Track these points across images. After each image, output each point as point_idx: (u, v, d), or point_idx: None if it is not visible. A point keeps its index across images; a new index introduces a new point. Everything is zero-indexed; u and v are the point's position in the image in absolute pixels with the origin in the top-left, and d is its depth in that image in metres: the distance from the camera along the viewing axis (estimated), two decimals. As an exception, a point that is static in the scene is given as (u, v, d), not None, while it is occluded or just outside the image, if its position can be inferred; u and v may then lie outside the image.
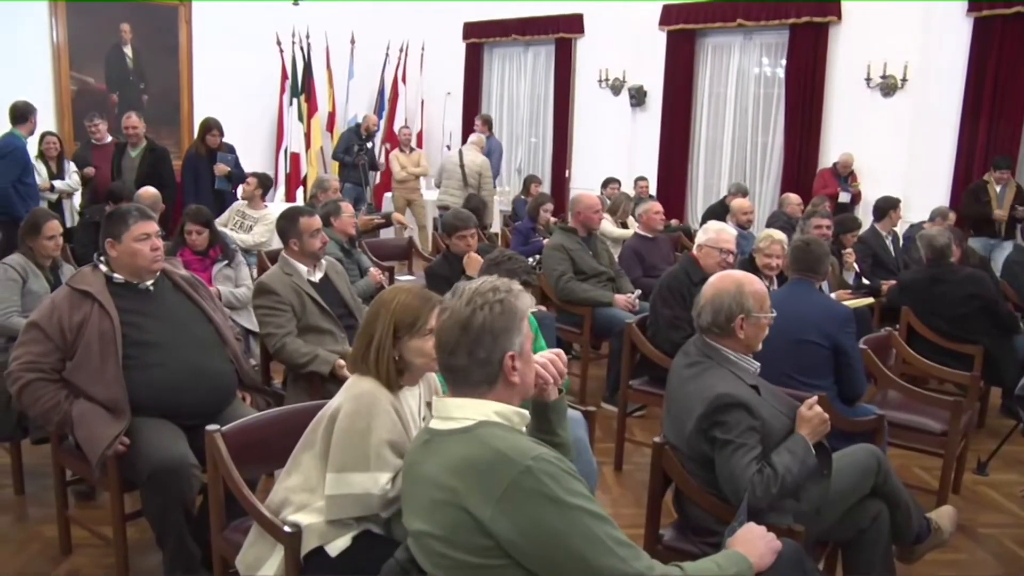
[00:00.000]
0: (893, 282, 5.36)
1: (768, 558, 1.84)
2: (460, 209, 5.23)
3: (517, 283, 1.76)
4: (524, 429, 1.74)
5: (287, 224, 3.76)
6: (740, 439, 2.34)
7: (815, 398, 2.55)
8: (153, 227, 2.98)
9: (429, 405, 2.35)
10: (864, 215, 7.83)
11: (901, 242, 6.47)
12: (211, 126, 7.20)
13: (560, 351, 1.91)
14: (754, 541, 1.85)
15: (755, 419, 2.39)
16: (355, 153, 8.81)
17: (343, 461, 2.14)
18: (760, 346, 2.62)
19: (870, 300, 5.17)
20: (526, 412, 1.73)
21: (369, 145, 9.20)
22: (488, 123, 9.72)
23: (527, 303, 1.72)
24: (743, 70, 9.35)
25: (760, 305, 2.56)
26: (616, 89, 10.11)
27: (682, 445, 2.55)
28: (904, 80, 8.00)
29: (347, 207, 5.14)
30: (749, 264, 4.52)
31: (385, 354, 2.21)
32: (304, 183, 10.14)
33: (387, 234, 9.37)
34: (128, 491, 2.86)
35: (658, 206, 5.94)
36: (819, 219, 5.38)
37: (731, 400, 2.37)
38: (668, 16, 9.50)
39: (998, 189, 7.39)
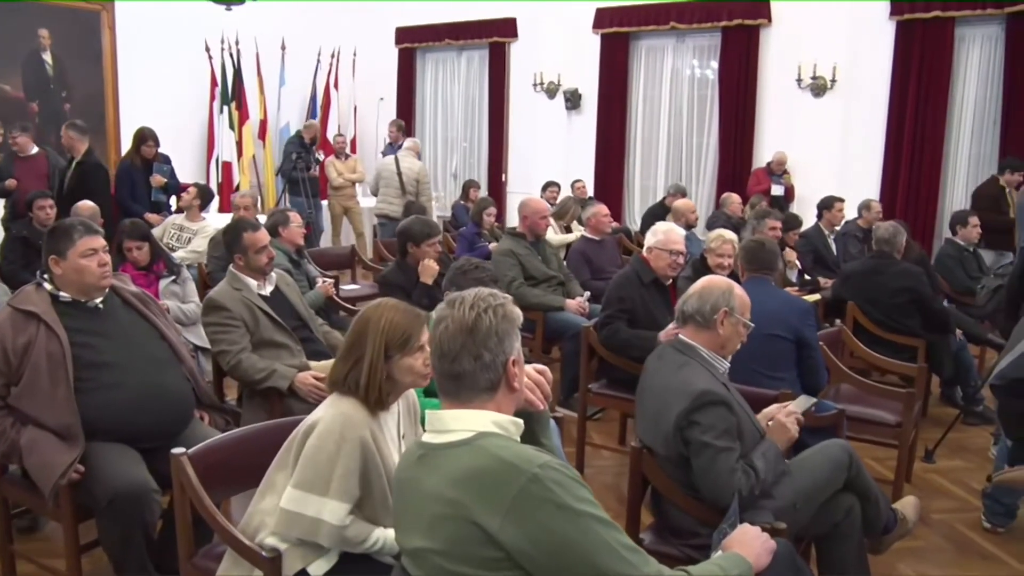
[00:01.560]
0: (831, 281, 5.50)
1: (765, 558, 1.85)
2: (426, 218, 5.14)
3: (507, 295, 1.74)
4: (518, 438, 1.71)
5: (231, 239, 3.64)
6: (720, 442, 2.37)
7: (787, 407, 2.63)
8: (100, 242, 2.84)
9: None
10: (799, 211, 8.05)
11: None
12: (146, 136, 6.94)
13: (544, 368, 1.89)
14: (751, 542, 1.86)
15: (732, 416, 2.44)
16: (294, 163, 8.59)
17: (303, 479, 2.08)
18: (731, 354, 2.66)
19: (816, 296, 5.30)
20: (520, 422, 1.71)
21: (319, 155, 9.00)
22: (402, 129, 9.58)
23: (520, 313, 1.73)
24: (677, 72, 9.50)
25: (743, 309, 2.65)
26: (551, 92, 10.15)
27: (658, 445, 2.56)
28: (833, 81, 8.25)
29: (295, 217, 5.02)
30: (701, 264, 4.57)
31: (377, 374, 2.14)
32: (237, 192, 9.89)
33: (326, 242, 9.24)
34: (82, 520, 2.71)
35: (606, 209, 5.98)
36: (773, 220, 5.47)
37: (713, 397, 2.39)
38: (602, 19, 9.59)
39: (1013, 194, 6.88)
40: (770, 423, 2.59)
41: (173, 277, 4.42)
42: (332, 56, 10.84)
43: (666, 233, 4.30)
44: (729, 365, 2.67)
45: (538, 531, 1.49)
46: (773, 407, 2.66)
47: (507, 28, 10.40)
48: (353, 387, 2.15)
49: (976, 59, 8.03)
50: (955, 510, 3.91)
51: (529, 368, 1.85)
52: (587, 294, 5.18)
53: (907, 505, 2.93)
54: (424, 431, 1.71)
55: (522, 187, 9.67)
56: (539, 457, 1.55)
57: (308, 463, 2.07)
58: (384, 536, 2.10)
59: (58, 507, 2.64)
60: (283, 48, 10.49)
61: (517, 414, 1.79)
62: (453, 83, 11.33)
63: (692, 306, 2.64)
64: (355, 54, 11.00)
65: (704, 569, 1.71)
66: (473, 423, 1.62)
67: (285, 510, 2.07)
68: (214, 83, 9.88)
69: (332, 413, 2.13)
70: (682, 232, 4.45)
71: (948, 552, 3.55)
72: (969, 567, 3.42)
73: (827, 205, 6.49)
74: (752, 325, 2.68)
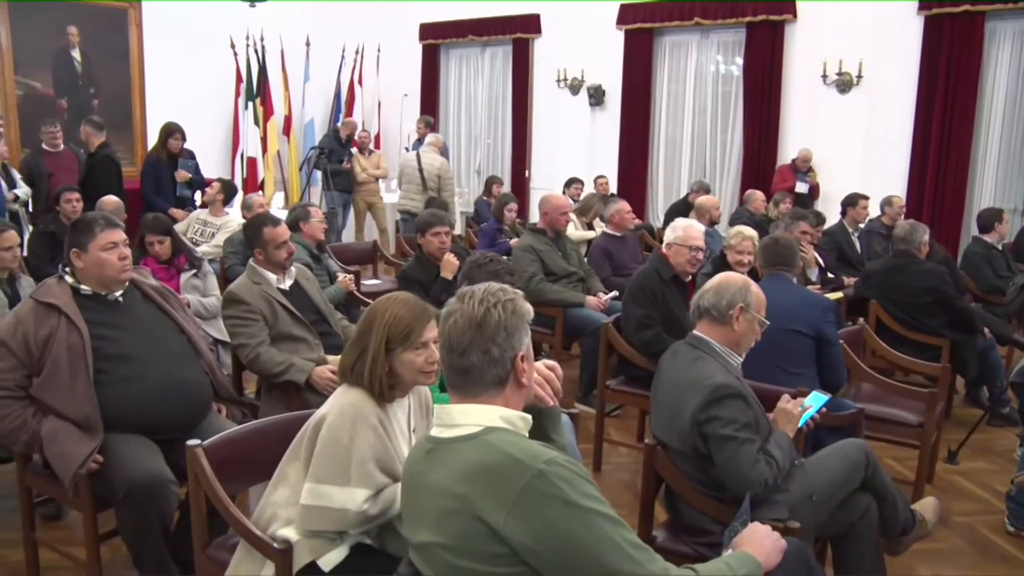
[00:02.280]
0: (855, 279, 5.44)
1: (775, 557, 1.83)
2: (434, 208, 5.16)
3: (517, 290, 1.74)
4: (527, 434, 1.71)
5: (252, 234, 3.67)
6: (741, 434, 2.37)
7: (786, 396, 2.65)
8: (120, 235, 2.87)
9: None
10: (824, 209, 7.96)
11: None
12: (173, 130, 7.01)
13: (555, 364, 1.88)
14: (761, 541, 1.85)
15: (750, 409, 2.44)
16: (343, 158, 8.69)
17: (322, 473, 2.09)
18: (745, 351, 2.65)
19: (839, 295, 5.24)
20: (529, 417, 1.71)
21: (353, 150, 9.07)
22: (429, 125, 9.59)
23: (530, 308, 1.73)
24: (701, 68, 9.42)
25: (759, 306, 2.64)
26: (574, 89, 10.12)
27: (673, 440, 2.55)
28: (859, 77, 8.14)
29: (316, 212, 5.04)
30: (721, 262, 4.54)
31: (378, 366, 2.15)
32: (262, 188, 9.97)
33: (348, 237, 9.30)
34: (101, 510, 2.75)
35: (628, 206, 5.94)
36: (806, 224, 5.39)
37: (731, 391, 2.39)
38: (625, 15, 9.53)
39: None
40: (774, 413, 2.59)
41: (194, 271, 4.46)
42: (356, 52, 10.88)
43: (685, 229, 4.28)
44: (742, 360, 2.64)
45: (543, 527, 1.48)
46: (782, 400, 2.64)
47: (531, 24, 10.38)
48: (359, 378, 2.17)
49: (1007, 55, 7.88)
50: (978, 512, 3.86)
51: (539, 364, 1.85)
52: (613, 293, 5.16)
53: (926, 506, 2.90)
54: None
55: (545, 183, 9.64)
56: (545, 453, 1.55)
57: (325, 456, 2.09)
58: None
59: (78, 496, 2.67)
60: (308, 44, 10.54)
61: (528, 410, 1.80)
62: (477, 79, 11.33)
63: (708, 301, 2.63)
64: (379, 50, 11.04)
65: (712, 567, 1.70)
66: (481, 418, 1.63)
67: (306, 507, 2.08)
68: (239, 79, 9.95)
69: (341, 404, 2.15)
70: (701, 228, 4.42)
71: (969, 555, 3.50)
72: (991, 571, 3.37)
73: (852, 202, 6.42)
74: (767, 323, 2.66)
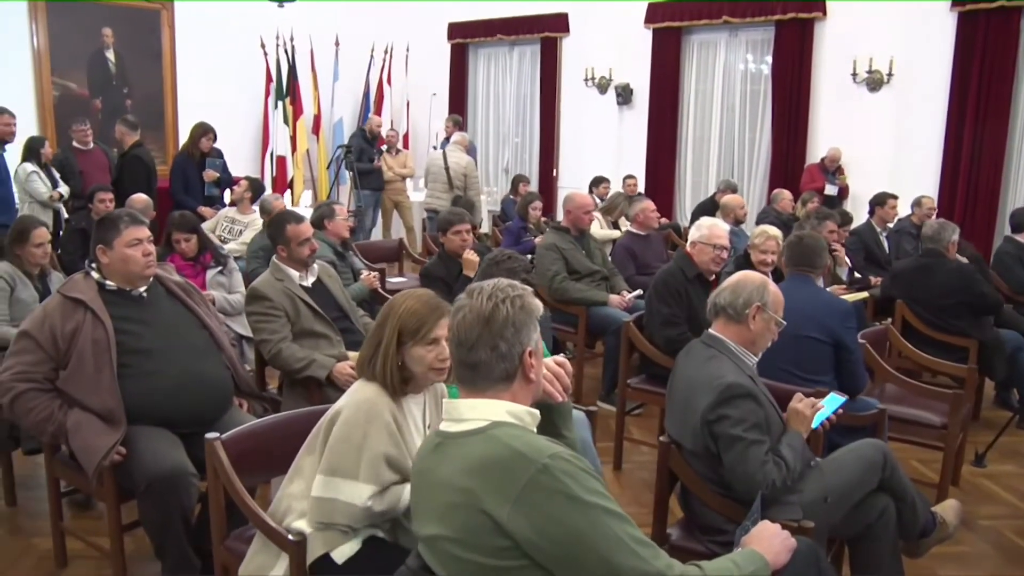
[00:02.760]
0: (882, 279, 5.38)
1: (784, 556, 1.82)
2: (456, 208, 5.19)
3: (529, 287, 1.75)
4: (535, 429, 1.71)
5: (275, 231, 3.71)
6: (751, 434, 2.35)
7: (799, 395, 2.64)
8: (145, 232, 2.92)
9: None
10: (853, 209, 7.88)
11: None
12: (207, 130, 7.11)
13: (564, 360, 1.89)
14: (770, 539, 1.83)
15: (761, 409, 2.42)
16: (373, 157, 8.75)
17: (334, 466, 2.12)
18: (761, 351, 2.63)
19: (865, 295, 5.18)
20: (537, 412, 1.72)
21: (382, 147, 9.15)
22: (457, 124, 9.61)
23: (540, 304, 1.73)
24: (729, 67, 9.36)
25: (776, 307, 2.61)
26: (602, 88, 10.10)
27: (686, 439, 2.55)
28: (890, 75, 8.04)
29: (340, 210, 5.09)
30: (744, 261, 4.51)
31: (389, 360, 2.17)
32: (291, 186, 10.07)
33: (376, 235, 9.36)
34: (125, 501, 2.81)
35: (653, 205, 5.93)
36: (832, 223, 5.33)
37: (741, 390, 2.38)
38: (654, 14, 9.50)
39: None
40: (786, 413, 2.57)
41: (220, 268, 4.53)
42: (385, 52, 10.94)
43: (710, 228, 4.27)
44: (757, 360, 2.62)
45: (546, 521, 1.49)
46: (795, 399, 2.62)
47: (559, 23, 10.37)
48: (374, 371, 2.19)
49: (1043, 52, 7.74)
50: (1004, 516, 3.80)
51: (549, 360, 1.85)
52: (638, 292, 5.15)
53: (948, 509, 2.86)
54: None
55: (573, 182, 9.63)
56: (550, 448, 1.55)
57: (337, 450, 2.11)
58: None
59: (101, 487, 2.73)
60: (337, 44, 10.61)
61: (538, 406, 1.80)
62: (505, 78, 11.34)
63: (724, 299, 2.62)
64: (408, 49, 11.09)
65: (718, 565, 1.69)
66: (488, 412, 1.64)
67: (317, 498, 2.11)
68: (269, 79, 10.05)
69: (356, 399, 2.17)
70: (726, 227, 4.40)
71: (993, 559, 3.45)
72: (1014, 575, 3.32)
73: (880, 202, 6.34)
74: (784, 323, 2.64)
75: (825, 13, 8.42)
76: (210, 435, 2.36)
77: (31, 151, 6.62)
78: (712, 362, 2.52)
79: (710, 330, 2.64)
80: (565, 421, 1.91)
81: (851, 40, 8.25)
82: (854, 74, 8.23)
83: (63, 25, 8.46)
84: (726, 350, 2.56)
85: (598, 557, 1.50)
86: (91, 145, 7.28)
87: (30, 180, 6.47)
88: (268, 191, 9.07)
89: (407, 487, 2.14)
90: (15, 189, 6.39)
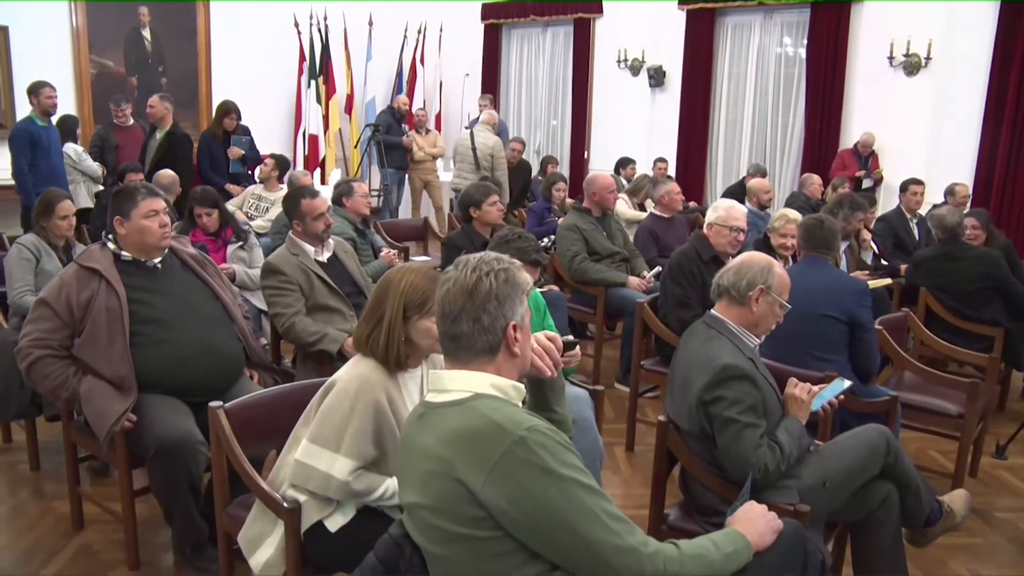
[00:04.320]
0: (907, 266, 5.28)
1: (768, 537, 1.81)
2: (481, 182, 5.20)
3: (517, 260, 1.75)
4: (520, 403, 1.72)
5: (290, 205, 3.76)
6: (745, 417, 2.33)
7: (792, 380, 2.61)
8: (160, 204, 2.98)
9: None
10: (886, 196, 7.74)
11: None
12: (229, 109, 7.20)
13: (555, 335, 1.88)
14: (754, 520, 1.83)
15: (757, 391, 2.40)
16: (402, 134, 8.79)
17: (318, 434, 2.16)
18: (764, 333, 2.60)
19: (888, 281, 5.10)
20: (522, 386, 1.72)
21: (407, 128, 9.18)
22: (491, 102, 9.54)
23: (527, 279, 1.72)
24: (763, 49, 9.21)
25: (781, 289, 2.58)
26: (635, 69, 10.01)
27: (683, 420, 2.54)
28: (928, 59, 7.84)
29: (360, 187, 5.12)
30: (764, 244, 4.47)
31: (395, 334, 2.19)
32: (322, 165, 10.15)
33: (404, 214, 9.40)
34: (137, 467, 2.88)
35: (678, 187, 5.89)
36: (863, 213, 5.23)
37: (737, 371, 2.36)
38: (688, -5, 9.38)
39: None
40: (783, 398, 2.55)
41: (240, 243, 4.59)
42: (419, 31, 10.95)
43: (727, 210, 4.24)
44: (759, 341, 2.60)
45: (520, 493, 1.50)
46: (789, 384, 2.59)
47: (592, 4, 10.28)
48: (374, 348, 2.20)
49: (1088, 37, 7.49)
50: (1021, 509, 3.73)
51: (540, 335, 1.85)
52: (657, 269, 5.12)
53: (956, 498, 2.81)
54: None
55: (604, 165, 9.54)
56: (528, 420, 1.56)
57: (324, 420, 2.15)
58: (394, 485, 2.16)
59: (113, 452, 2.80)
60: (370, 24, 10.65)
61: (530, 381, 1.81)
62: (538, 59, 11.29)
63: (728, 280, 2.59)
64: (441, 30, 11.09)
65: (695, 543, 1.69)
66: (471, 384, 1.64)
67: (300, 462, 2.15)
68: (302, 58, 10.12)
69: (350, 374, 2.20)
70: (743, 209, 4.36)
71: (1008, 552, 3.39)
72: (1028, 569, 3.27)
73: (903, 188, 6.22)
74: (788, 306, 2.60)
75: (863, -5, 8.25)
76: (214, 404, 2.40)
77: (68, 131, 6.76)
78: (711, 343, 2.50)
79: (712, 311, 2.61)
80: (557, 397, 1.91)
81: (888, 23, 8.05)
82: (891, 57, 8.05)
83: (101, 4, 8.59)
84: (726, 331, 2.54)
85: (571, 530, 1.51)
86: (131, 122, 7.42)
87: (82, 160, 6.68)
88: (299, 168, 9.19)
89: (391, 481, 2.17)
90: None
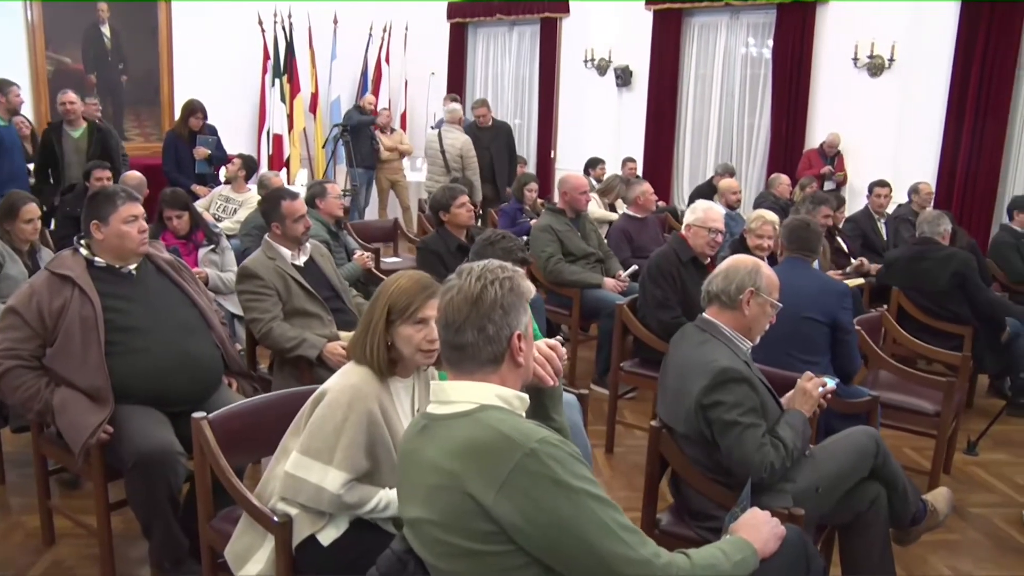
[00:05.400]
0: (879, 266, 5.36)
1: (773, 544, 1.81)
2: (447, 184, 5.14)
3: (521, 268, 1.72)
4: (523, 413, 1.69)
5: (269, 208, 3.67)
6: (746, 419, 2.34)
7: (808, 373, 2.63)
8: (140, 209, 2.90)
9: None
10: (852, 196, 7.84)
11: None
12: (195, 108, 7.03)
13: (557, 344, 1.86)
14: (759, 527, 1.82)
15: (756, 394, 2.41)
16: (371, 134, 8.68)
17: (309, 445, 2.10)
18: (758, 335, 2.61)
19: (860, 281, 5.17)
20: (526, 397, 1.69)
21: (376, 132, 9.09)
22: (455, 102, 9.45)
23: (531, 287, 1.70)
24: (730, 50, 9.29)
25: (770, 289, 2.58)
26: (602, 69, 10.02)
27: (678, 424, 2.53)
28: (891, 60, 7.96)
29: (333, 188, 5.04)
30: (740, 245, 4.49)
31: (377, 338, 2.15)
32: (287, 165, 10.02)
33: (372, 215, 9.31)
34: (112, 480, 2.79)
35: (652, 188, 5.89)
36: (828, 208, 5.31)
37: (735, 375, 2.36)
38: (655, -5, 9.42)
39: None
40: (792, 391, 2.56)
41: (212, 246, 4.49)
42: (384, 30, 10.86)
43: (705, 211, 4.24)
44: (752, 345, 2.60)
45: (532, 507, 1.47)
46: (803, 378, 2.61)
47: (559, 3, 10.28)
48: (366, 354, 2.16)
49: (1046, 39, 7.67)
50: (995, 504, 3.80)
51: (540, 343, 1.82)
52: (633, 267, 5.12)
53: (939, 497, 2.85)
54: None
55: (571, 164, 9.55)
56: (537, 432, 1.53)
57: (315, 431, 2.09)
58: (388, 497, 2.11)
59: (88, 465, 2.71)
60: (335, 22, 10.54)
61: (529, 389, 1.78)
62: (504, 58, 11.26)
63: (717, 285, 2.58)
64: (407, 28, 11.01)
65: (705, 552, 1.67)
66: (476, 395, 1.61)
67: (290, 474, 2.10)
68: (266, 56, 9.98)
69: (342, 383, 2.14)
70: (722, 210, 4.38)
71: (985, 548, 3.45)
72: (1007, 564, 3.31)
73: (870, 190, 6.33)
74: (780, 305, 2.61)
75: (828, -3, 8.35)
76: (197, 414, 2.34)
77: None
78: (706, 346, 2.49)
79: (704, 315, 2.61)
80: (555, 405, 1.89)
81: (853, 25, 8.16)
82: (855, 59, 8.16)
83: (58, -1, 8.38)
84: (720, 335, 2.53)
85: (584, 543, 1.48)
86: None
87: None
88: (263, 168, 9.04)
89: (384, 492, 2.12)
90: None
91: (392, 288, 2.19)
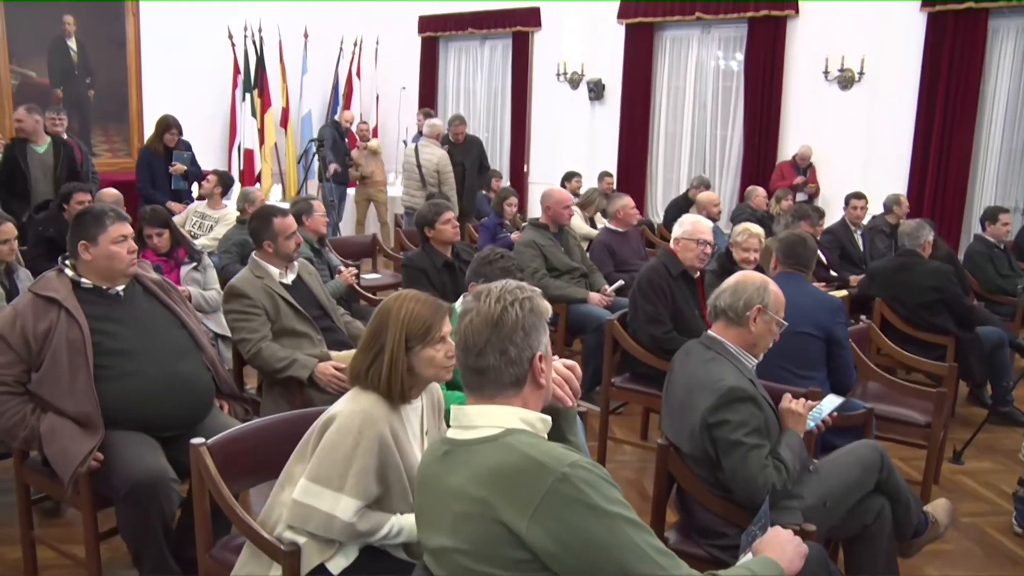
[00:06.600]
0: (860, 276, 5.41)
1: (798, 562, 1.79)
2: (431, 201, 5.09)
3: (538, 289, 1.69)
4: (546, 436, 1.66)
5: (260, 225, 3.59)
6: (750, 439, 2.32)
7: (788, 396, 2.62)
8: (129, 229, 2.82)
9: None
10: (825, 207, 7.92)
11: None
12: (170, 124, 6.89)
13: (575, 364, 1.83)
14: (783, 545, 1.80)
15: (761, 412, 2.40)
16: (344, 152, 8.58)
17: (318, 472, 2.04)
18: (763, 352, 2.60)
19: (842, 293, 5.21)
20: (548, 419, 1.66)
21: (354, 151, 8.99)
22: (429, 117, 9.41)
23: (548, 307, 1.67)
24: (702, 63, 9.39)
25: (777, 307, 2.58)
26: (574, 83, 10.07)
27: (684, 442, 2.51)
28: (861, 73, 8.11)
29: (318, 206, 4.97)
30: (726, 258, 4.50)
31: (398, 366, 2.09)
32: (259, 180, 9.90)
33: (347, 231, 9.22)
34: (101, 508, 2.70)
35: (633, 202, 5.90)
36: (808, 224, 5.35)
37: (742, 394, 2.35)
38: (626, 10, 9.50)
39: None
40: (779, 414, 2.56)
41: (194, 264, 4.40)
42: (355, 44, 10.80)
43: (693, 224, 4.23)
44: (756, 362, 2.60)
45: (566, 532, 1.44)
46: (784, 399, 2.60)
47: (531, 17, 10.32)
48: (375, 381, 2.10)
49: (1010, 52, 7.87)
50: (985, 513, 3.83)
51: (558, 363, 1.79)
52: (619, 282, 5.11)
53: (939, 508, 2.87)
54: (448, 427, 1.66)
55: (544, 178, 9.59)
56: (568, 456, 1.50)
57: (325, 458, 2.04)
58: (400, 523, 2.07)
59: (77, 494, 2.62)
60: (306, 36, 10.46)
61: (544, 410, 1.75)
62: (476, 72, 11.27)
63: (725, 301, 2.58)
64: (378, 42, 10.96)
65: (735, 572, 1.65)
66: (500, 419, 1.58)
67: (298, 502, 2.04)
68: (236, 71, 9.86)
69: (352, 408, 2.09)
70: (709, 223, 4.38)
71: (977, 556, 3.47)
72: (998, 572, 3.34)
73: (847, 202, 6.41)
74: (785, 324, 2.61)
75: (798, 11, 8.49)
76: (195, 440, 2.26)
77: None
78: (712, 364, 2.48)
79: (710, 332, 2.60)
80: (571, 426, 1.86)
81: (823, 38, 8.32)
82: (826, 72, 8.29)
83: (21, 11, 8.19)
84: (725, 352, 2.52)
85: (619, 567, 1.45)
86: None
87: None
88: (237, 185, 8.90)
89: (396, 518, 2.07)
90: None
91: (403, 315, 2.13)
